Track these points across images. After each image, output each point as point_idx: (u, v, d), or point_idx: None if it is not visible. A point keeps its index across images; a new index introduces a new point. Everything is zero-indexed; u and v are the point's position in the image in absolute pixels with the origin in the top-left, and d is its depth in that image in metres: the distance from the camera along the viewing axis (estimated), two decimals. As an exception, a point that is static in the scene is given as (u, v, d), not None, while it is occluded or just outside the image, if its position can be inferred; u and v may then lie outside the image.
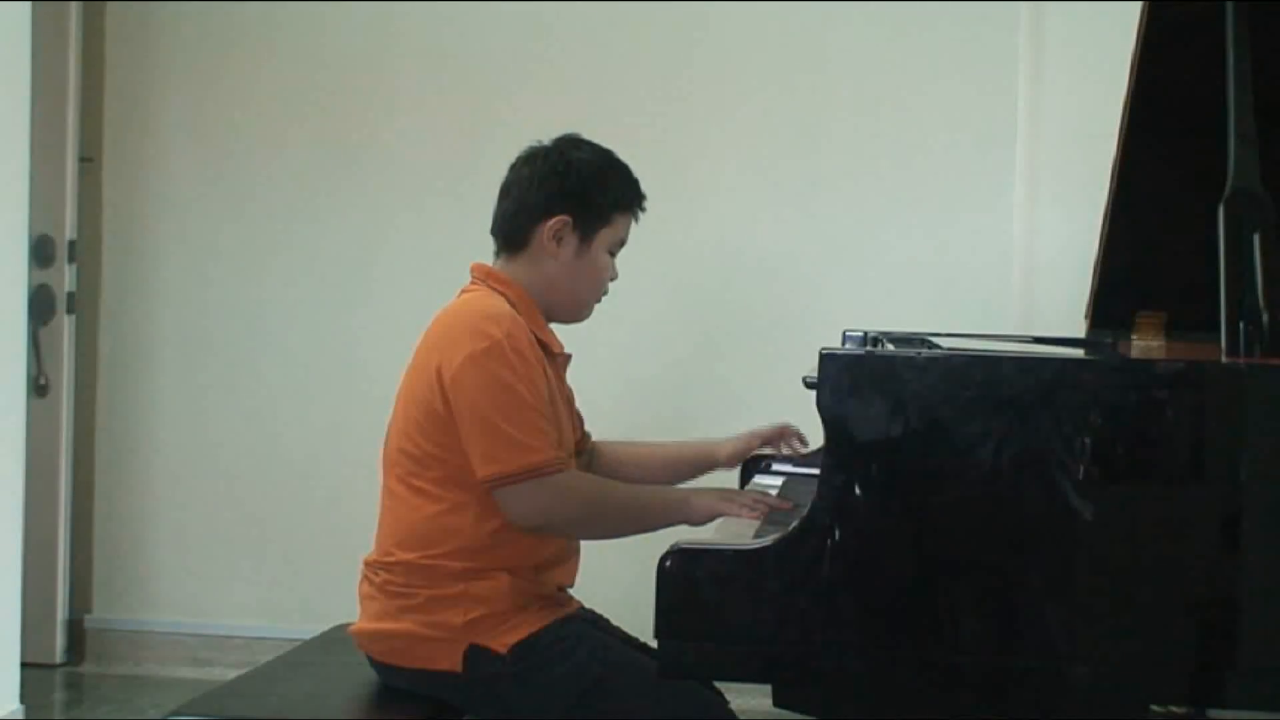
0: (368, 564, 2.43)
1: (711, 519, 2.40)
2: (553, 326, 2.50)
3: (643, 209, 2.52)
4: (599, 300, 2.53)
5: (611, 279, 2.51)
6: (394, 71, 4.18)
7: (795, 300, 3.97)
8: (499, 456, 2.27)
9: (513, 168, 2.50)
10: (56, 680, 4.16)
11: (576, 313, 2.51)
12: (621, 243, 2.51)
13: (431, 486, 2.34)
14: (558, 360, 2.48)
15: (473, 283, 2.48)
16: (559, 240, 2.42)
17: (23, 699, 3.70)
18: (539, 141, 2.51)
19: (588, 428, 2.69)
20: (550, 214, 2.42)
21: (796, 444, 2.78)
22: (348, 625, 2.50)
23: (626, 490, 2.50)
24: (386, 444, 2.44)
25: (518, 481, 2.27)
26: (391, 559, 2.37)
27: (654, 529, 2.42)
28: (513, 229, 2.46)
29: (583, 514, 2.38)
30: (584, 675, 2.30)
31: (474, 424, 2.28)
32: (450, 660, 2.30)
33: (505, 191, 2.49)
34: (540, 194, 2.43)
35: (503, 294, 2.42)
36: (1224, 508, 1.99)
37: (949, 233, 3.91)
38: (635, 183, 2.50)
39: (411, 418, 2.36)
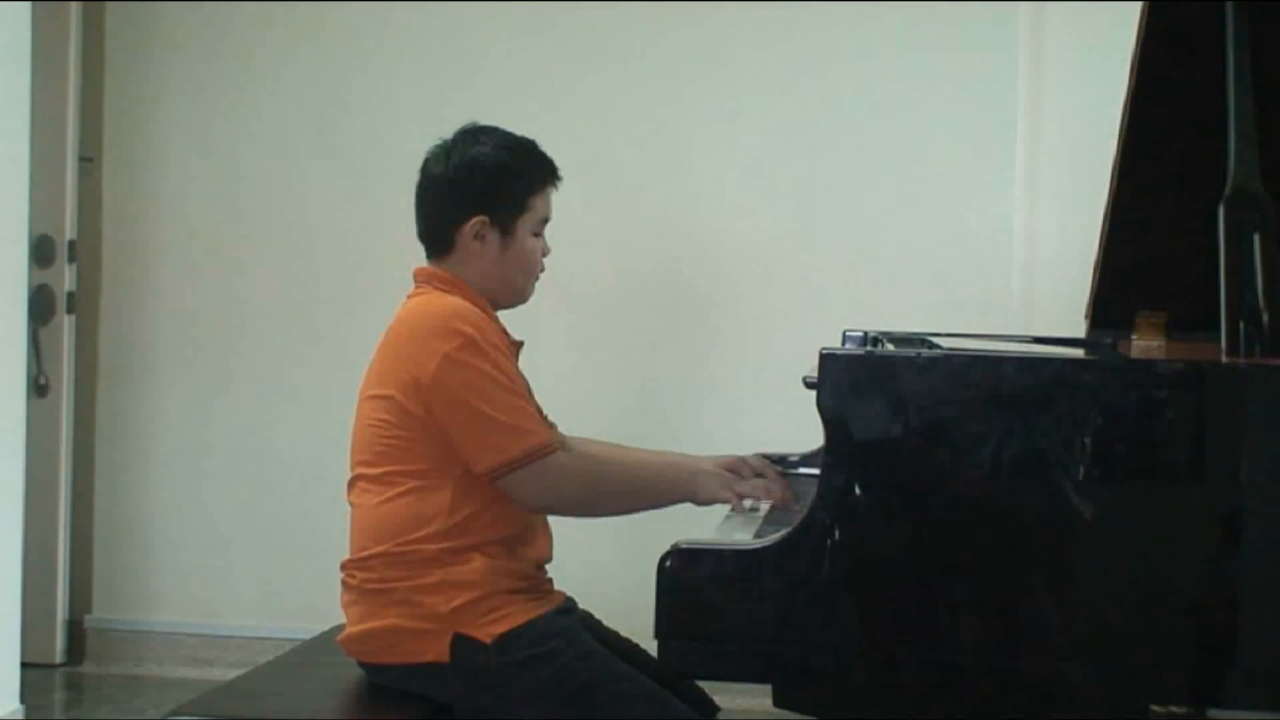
0: (346, 566, 2.43)
1: (715, 503, 2.43)
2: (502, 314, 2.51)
3: (558, 179, 2.51)
4: (535, 279, 2.53)
5: (544, 254, 2.52)
6: (394, 71, 4.18)
7: (795, 300, 3.97)
8: (499, 445, 2.29)
9: (424, 168, 2.51)
10: (56, 680, 4.16)
11: (515, 298, 2.52)
12: (545, 220, 2.51)
13: (404, 477, 2.35)
14: (513, 348, 2.49)
15: (418, 288, 2.49)
16: (481, 240, 2.44)
17: (23, 699, 3.71)
18: (442, 139, 2.51)
19: (556, 420, 2.67)
20: (466, 217, 2.44)
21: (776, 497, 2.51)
22: (341, 629, 2.50)
23: (630, 464, 2.51)
24: (355, 449, 2.45)
25: (522, 466, 2.30)
26: (367, 553, 2.37)
27: (660, 506, 2.44)
28: (435, 234, 2.48)
29: (588, 493, 2.41)
30: (569, 679, 2.30)
31: (465, 419, 2.30)
32: (437, 651, 2.30)
33: (420, 198, 2.51)
34: (451, 197, 2.45)
35: (451, 293, 2.43)
36: (1224, 508, 1.99)
37: (949, 232, 3.91)
38: (542, 158, 2.50)
39: (382, 419, 2.37)
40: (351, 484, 2.45)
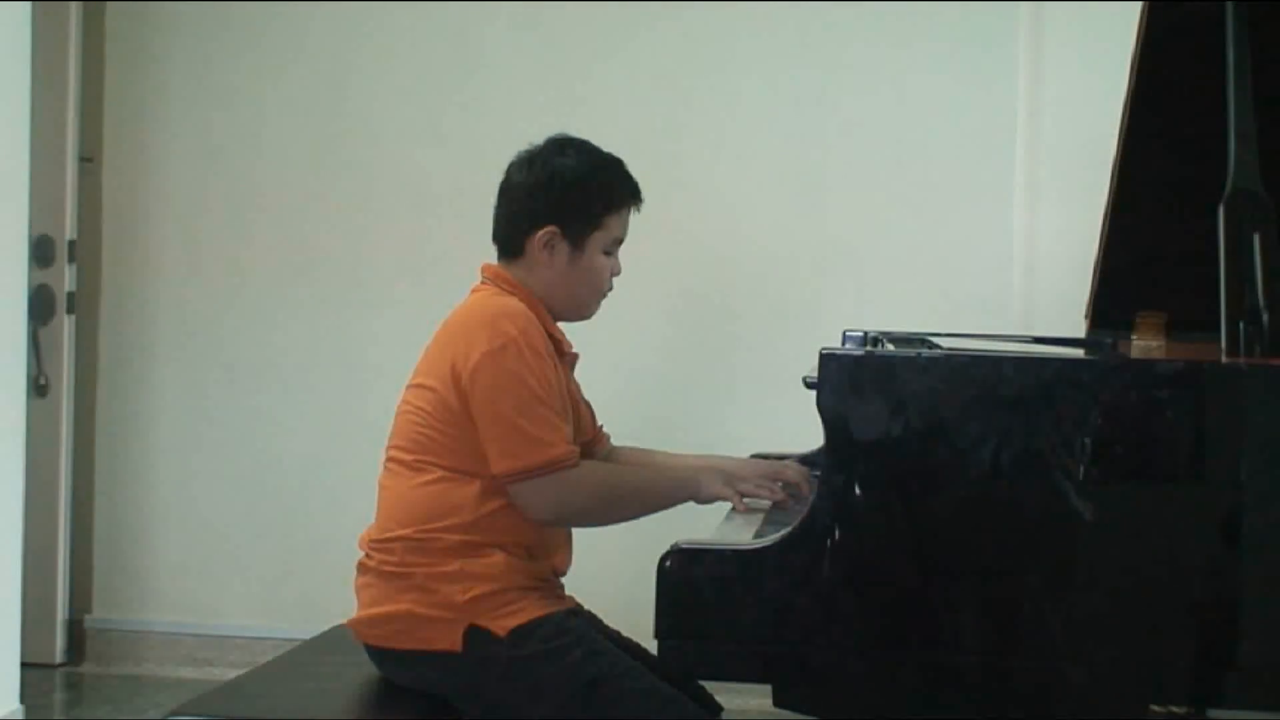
0: (367, 543, 2.43)
1: (717, 500, 2.46)
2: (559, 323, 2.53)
3: (640, 200, 2.52)
4: (602, 298, 2.55)
5: (614, 274, 2.53)
6: (395, 71, 4.18)
7: (795, 300, 3.97)
8: (517, 453, 2.30)
9: (507, 173, 2.52)
10: (56, 680, 4.16)
11: (579, 313, 2.54)
12: (619, 240, 2.52)
13: (435, 467, 2.37)
14: (566, 359, 2.51)
15: (483, 282, 2.51)
16: (550, 250, 2.45)
17: (23, 699, 3.71)
18: (532, 144, 2.52)
19: (606, 429, 2.72)
20: (538, 225, 2.44)
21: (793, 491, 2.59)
22: (340, 628, 2.50)
23: (637, 477, 2.53)
24: (393, 434, 2.46)
25: (535, 476, 2.31)
26: (390, 535, 2.38)
27: (662, 510, 2.46)
28: (507, 237, 2.50)
29: (595, 505, 2.42)
30: (577, 677, 2.30)
31: (492, 421, 2.31)
32: (449, 640, 2.31)
33: (500, 199, 2.52)
34: (528, 204, 2.46)
35: (513, 294, 2.45)
36: (1224, 508, 1.99)
37: (949, 233, 3.91)
38: (626, 179, 2.51)
39: (420, 407, 2.39)
40: (384, 465, 2.47)
